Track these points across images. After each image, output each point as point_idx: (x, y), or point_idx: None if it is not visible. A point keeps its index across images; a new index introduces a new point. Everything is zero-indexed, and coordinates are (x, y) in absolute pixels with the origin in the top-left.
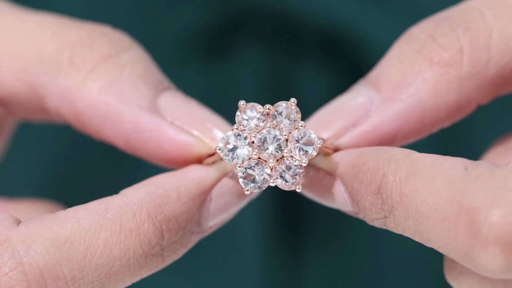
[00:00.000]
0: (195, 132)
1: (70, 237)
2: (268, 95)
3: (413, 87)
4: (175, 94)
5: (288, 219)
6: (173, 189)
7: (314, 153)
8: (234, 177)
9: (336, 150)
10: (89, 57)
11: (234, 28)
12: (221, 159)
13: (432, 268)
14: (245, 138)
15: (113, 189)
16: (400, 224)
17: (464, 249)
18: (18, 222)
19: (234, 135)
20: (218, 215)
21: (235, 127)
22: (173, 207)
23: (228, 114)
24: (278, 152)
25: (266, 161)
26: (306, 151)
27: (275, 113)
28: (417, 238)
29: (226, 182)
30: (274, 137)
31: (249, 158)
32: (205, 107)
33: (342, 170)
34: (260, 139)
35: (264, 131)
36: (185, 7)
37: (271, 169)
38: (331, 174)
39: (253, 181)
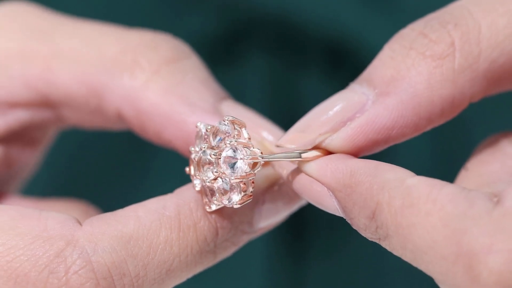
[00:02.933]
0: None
1: (134, 235)
2: (273, 104)
3: (408, 80)
4: (235, 103)
5: (292, 225)
6: None
7: (245, 169)
8: (286, 182)
9: (328, 152)
10: (154, 58)
11: (240, 37)
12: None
13: None
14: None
15: (119, 190)
16: (397, 251)
17: (467, 285)
18: (79, 222)
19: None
20: (269, 218)
21: (192, 149)
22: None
23: None
24: (210, 173)
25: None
26: (235, 169)
27: (210, 132)
28: (415, 265)
29: (280, 187)
30: (199, 159)
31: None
32: (261, 116)
33: (334, 186)
34: (193, 162)
35: (193, 154)
36: (191, 16)
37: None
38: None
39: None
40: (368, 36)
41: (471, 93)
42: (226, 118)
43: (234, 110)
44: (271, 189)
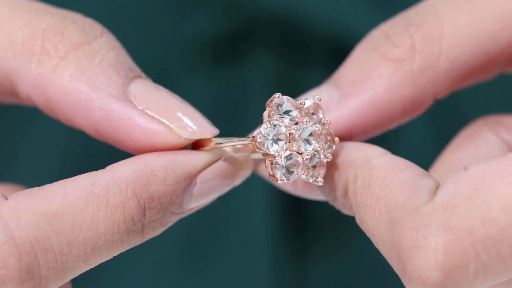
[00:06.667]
0: (165, 121)
1: (59, 211)
2: None
3: (369, 82)
4: (145, 82)
5: (295, 224)
6: (160, 169)
7: (334, 148)
8: (224, 163)
9: None
10: (60, 44)
11: (245, 36)
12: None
13: None
14: (284, 130)
15: None
16: (361, 228)
17: (399, 274)
18: (5, 197)
19: (273, 126)
20: (200, 199)
21: (275, 118)
22: (158, 188)
23: (238, 120)
24: (314, 146)
25: (301, 154)
26: (332, 147)
27: (305, 109)
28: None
29: (213, 169)
30: (311, 133)
31: (286, 149)
32: (175, 95)
33: None
34: (300, 133)
35: (302, 126)
36: (196, 15)
37: (303, 161)
38: None
39: (287, 171)
40: None
41: (433, 91)
42: (318, 99)
43: (143, 90)
44: (203, 171)
